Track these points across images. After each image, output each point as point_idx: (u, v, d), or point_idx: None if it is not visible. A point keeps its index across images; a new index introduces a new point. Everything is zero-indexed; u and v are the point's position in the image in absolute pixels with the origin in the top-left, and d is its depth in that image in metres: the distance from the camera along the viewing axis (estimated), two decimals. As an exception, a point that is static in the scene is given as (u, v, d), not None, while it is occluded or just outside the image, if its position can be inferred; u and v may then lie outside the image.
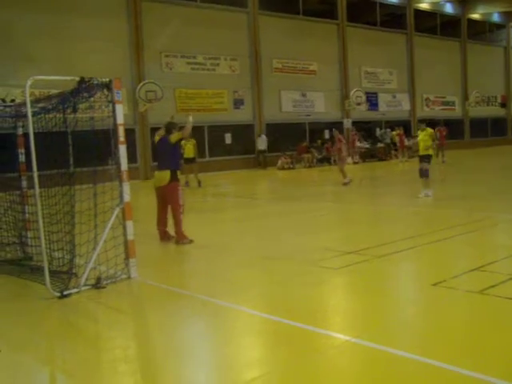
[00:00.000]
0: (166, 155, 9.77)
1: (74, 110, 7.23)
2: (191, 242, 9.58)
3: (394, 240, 9.10)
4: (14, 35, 22.52)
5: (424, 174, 14.15)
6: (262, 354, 4.88)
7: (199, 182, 20.22)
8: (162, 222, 10.01)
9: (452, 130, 33.82)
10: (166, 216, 9.97)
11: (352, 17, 35.32)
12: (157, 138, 10.31)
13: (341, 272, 7.29)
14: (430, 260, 7.95)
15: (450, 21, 43.17)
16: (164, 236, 10.00)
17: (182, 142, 18.52)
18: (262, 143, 30.21)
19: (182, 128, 10.06)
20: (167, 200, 9.75)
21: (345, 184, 18.32)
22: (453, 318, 5.45)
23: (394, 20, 38.93)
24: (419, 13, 40.17)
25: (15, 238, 9.25)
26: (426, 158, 14.25)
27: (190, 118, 9.98)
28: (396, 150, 33.06)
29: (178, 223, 9.64)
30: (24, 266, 8.17)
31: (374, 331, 5.09)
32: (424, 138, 14.27)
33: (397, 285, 7.00)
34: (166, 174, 9.59)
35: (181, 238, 9.59)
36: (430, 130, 14.47)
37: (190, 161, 20.13)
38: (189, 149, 19.98)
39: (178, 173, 9.75)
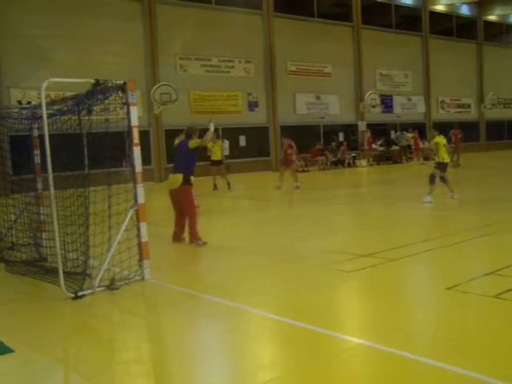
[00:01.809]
0: (182, 159, 9.86)
1: (89, 112, 7.27)
2: (204, 243, 9.60)
3: (407, 243, 9.05)
4: (29, 38, 22.71)
5: (429, 179, 13.91)
6: (275, 357, 4.87)
7: (228, 184, 19.98)
8: (178, 224, 10.06)
9: (467, 133, 33.56)
10: (183, 219, 10.02)
11: (367, 19, 35.20)
12: (176, 141, 10.45)
13: (354, 275, 7.26)
14: (445, 263, 7.90)
15: (466, 23, 42.86)
16: (176, 237, 10.05)
17: (209, 145, 18.64)
18: (224, 149, 25.42)
19: (202, 133, 10.08)
20: (181, 203, 9.80)
21: (297, 187, 19.19)
22: (467, 322, 5.41)
23: (409, 22, 38.74)
24: (435, 15, 39.94)
25: (30, 239, 9.32)
26: (435, 164, 14.02)
27: (212, 127, 9.94)
28: (411, 152, 32.94)
29: (192, 225, 9.68)
30: (39, 267, 8.22)
31: (387, 335, 5.06)
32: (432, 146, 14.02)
33: (410, 288, 6.96)
34: (178, 177, 9.65)
35: (195, 239, 9.63)
36: (437, 138, 13.89)
37: (218, 163, 20.04)
38: (217, 151, 19.91)
39: (192, 178, 9.77)
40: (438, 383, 4.10)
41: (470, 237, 9.35)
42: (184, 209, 9.81)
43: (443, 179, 14.05)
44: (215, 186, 19.82)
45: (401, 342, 4.82)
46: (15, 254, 9.12)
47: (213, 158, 19.84)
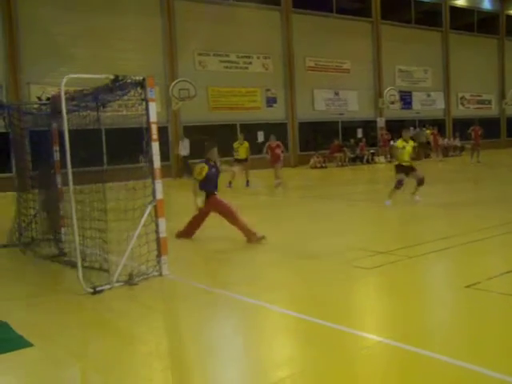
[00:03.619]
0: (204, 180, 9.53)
1: (103, 107, 7.29)
2: (263, 238, 9.20)
3: (427, 240, 8.98)
4: (49, 34, 22.89)
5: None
6: (293, 353, 4.85)
7: (247, 182, 20.39)
8: (192, 225, 9.84)
9: (488, 130, 33.21)
10: (198, 227, 9.83)
11: (386, 14, 34.97)
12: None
13: (373, 272, 7.22)
14: (464, 261, 7.82)
15: (488, 17, 42.33)
16: (182, 235, 9.81)
17: (235, 146, 20.29)
18: (184, 148, 25.78)
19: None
20: (219, 214, 9.56)
21: (279, 184, 19.36)
22: (487, 320, 5.35)
23: (429, 17, 38.38)
24: (455, 9, 39.53)
25: (50, 235, 9.40)
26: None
27: (234, 169, 9.71)
28: (430, 149, 32.70)
29: (239, 224, 9.29)
30: (58, 262, 8.28)
31: (406, 332, 5.02)
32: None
33: (430, 286, 6.90)
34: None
35: (251, 238, 9.24)
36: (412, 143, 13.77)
37: (242, 161, 20.38)
38: (242, 151, 20.62)
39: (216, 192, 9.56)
40: (457, 382, 4.06)
41: (489, 235, 9.24)
42: (225, 218, 9.48)
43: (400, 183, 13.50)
44: (230, 183, 20.01)
45: (420, 340, 4.78)
46: (35, 248, 9.20)
47: (236, 157, 20.58)
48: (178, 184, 23.24)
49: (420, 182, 13.56)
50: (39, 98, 21.54)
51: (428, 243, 8.77)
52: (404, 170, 13.52)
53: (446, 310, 5.81)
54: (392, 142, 32.56)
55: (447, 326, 5.31)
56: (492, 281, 6.52)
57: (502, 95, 43.13)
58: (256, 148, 29.41)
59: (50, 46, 22.78)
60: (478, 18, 41.43)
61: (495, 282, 6.51)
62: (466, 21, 40.52)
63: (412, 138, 34.82)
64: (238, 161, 20.39)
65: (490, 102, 42.75)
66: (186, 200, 10.42)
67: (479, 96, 41.81)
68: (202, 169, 9.46)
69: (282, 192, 18.78)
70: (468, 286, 6.23)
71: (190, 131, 27.04)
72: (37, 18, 22.77)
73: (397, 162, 13.69)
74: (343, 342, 4.93)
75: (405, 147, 13.49)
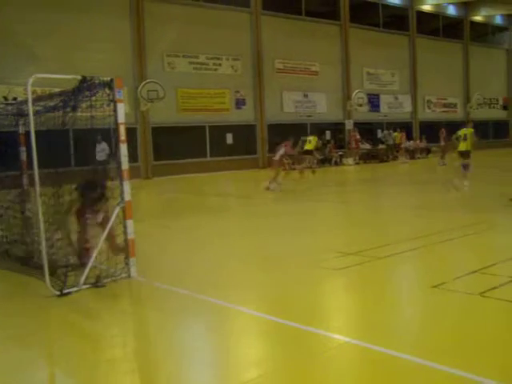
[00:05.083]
0: None
1: (74, 109, 7.20)
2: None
3: (394, 242, 9.09)
4: (16, 33, 22.53)
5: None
6: (261, 355, 4.87)
7: (313, 171, 23.12)
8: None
9: (453, 132, 33.65)
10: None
11: (354, 18, 35.31)
12: None
13: (341, 273, 7.28)
14: (431, 262, 7.94)
15: (453, 23, 43.13)
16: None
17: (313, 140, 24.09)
18: (100, 152, 21.91)
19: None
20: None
21: (269, 188, 18.12)
22: (452, 320, 5.44)
23: (397, 21, 38.90)
24: (422, 14, 40.17)
25: (17, 236, 9.24)
26: None
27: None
28: (397, 151, 33.19)
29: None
30: (25, 264, 8.15)
31: (373, 333, 5.08)
32: None
33: (397, 286, 6.99)
34: None
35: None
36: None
37: (309, 152, 24.23)
38: (310, 143, 24.19)
39: None
40: (423, 381, 4.12)
41: (456, 235, 9.40)
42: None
43: None
44: (313, 170, 23.19)
45: (387, 340, 4.84)
46: (1, 250, 9.04)
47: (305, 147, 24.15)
48: (146, 184, 23.12)
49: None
50: (5, 98, 21.26)
51: (396, 244, 8.87)
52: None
53: (413, 310, 5.89)
54: (361, 145, 33.06)
55: (414, 326, 5.39)
56: (458, 281, 6.63)
57: (467, 99, 43.90)
58: (225, 150, 29.55)
59: (16, 46, 22.44)
60: (444, 24, 42.15)
61: (461, 282, 6.62)
62: (432, 26, 41.21)
63: (381, 141, 35.47)
64: (305, 152, 23.83)
65: (455, 105, 43.48)
66: (155, 201, 10.34)
67: (445, 99, 42.50)
68: None
69: (250, 193, 18.76)
70: (435, 286, 6.32)
71: (159, 132, 26.97)
72: (2, 17, 22.38)
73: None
74: (311, 342, 4.96)
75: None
